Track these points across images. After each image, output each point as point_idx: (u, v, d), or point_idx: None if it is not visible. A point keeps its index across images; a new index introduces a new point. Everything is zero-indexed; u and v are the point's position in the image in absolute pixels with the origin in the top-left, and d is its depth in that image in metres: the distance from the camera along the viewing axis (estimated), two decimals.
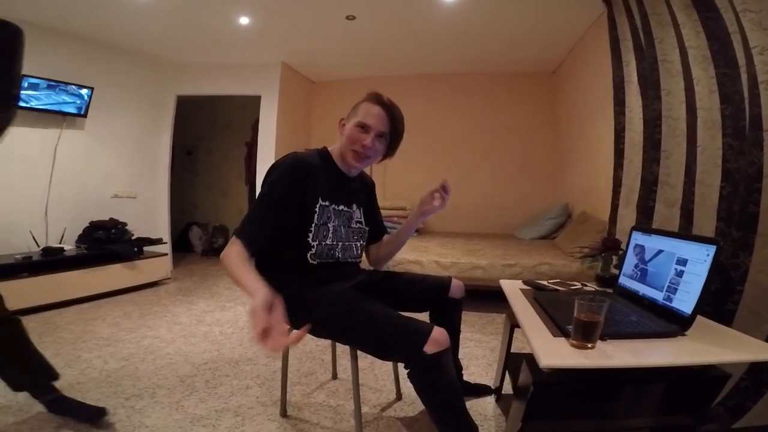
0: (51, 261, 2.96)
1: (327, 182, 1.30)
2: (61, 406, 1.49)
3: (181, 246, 5.40)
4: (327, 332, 1.30)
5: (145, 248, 3.69)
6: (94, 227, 3.47)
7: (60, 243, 3.32)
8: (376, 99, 1.30)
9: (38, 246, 3.17)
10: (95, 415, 1.47)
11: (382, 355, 1.21)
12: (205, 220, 5.72)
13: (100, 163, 3.77)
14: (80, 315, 2.74)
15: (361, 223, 1.45)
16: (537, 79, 4.72)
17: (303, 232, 1.27)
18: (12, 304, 2.62)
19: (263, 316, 0.84)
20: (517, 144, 4.78)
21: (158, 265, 3.67)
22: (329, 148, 1.38)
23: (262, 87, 4.42)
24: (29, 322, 2.51)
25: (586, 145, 3.61)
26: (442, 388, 1.10)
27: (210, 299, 3.26)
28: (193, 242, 5.56)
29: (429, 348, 1.07)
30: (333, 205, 1.32)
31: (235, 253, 1.11)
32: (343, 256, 1.37)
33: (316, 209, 1.27)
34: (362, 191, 1.48)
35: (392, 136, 1.32)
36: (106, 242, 3.39)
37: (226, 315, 2.85)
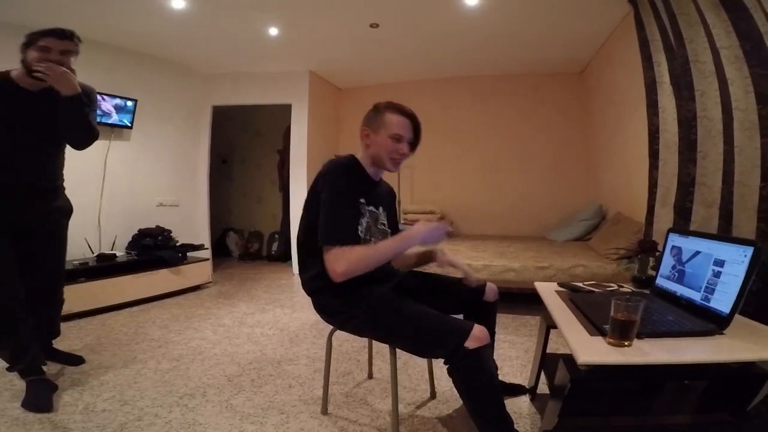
0: (105, 267, 3.17)
1: (361, 184, 1.43)
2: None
3: (219, 251, 5.63)
4: (369, 330, 1.38)
5: (188, 254, 3.88)
6: (143, 234, 3.68)
7: (112, 249, 3.55)
8: (400, 110, 1.40)
9: (92, 252, 3.41)
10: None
11: (422, 351, 1.28)
12: (241, 226, 5.93)
13: (146, 173, 4.00)
14: (132, 318, 2.93)
15: (384, 225, 1.53)
16: (564, 79, 4.68)
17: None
18: (73, 307, 2.84)
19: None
20: (546, 145, 4.74)
21: (200, 270, 3.86)
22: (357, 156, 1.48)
23: (292, 95, 4.57)
24: (89, 324, 2.73)
25: (620, 145, 3.55)
26: (483, 382, 1.15)
27: (250, 302, 3.40)
28: (230, 247, 5.80)
29: (470, 344, 1.13)
30: (366, 205, 1.42)
31: (351, 252, 1.24)
32: None
33: (360, 206, 1.38)
34: (386, 196, 1.57)
35: (416, 139, 1.44)
36: (154, 249, 3.60)
37: (266, 317, 2.98)
